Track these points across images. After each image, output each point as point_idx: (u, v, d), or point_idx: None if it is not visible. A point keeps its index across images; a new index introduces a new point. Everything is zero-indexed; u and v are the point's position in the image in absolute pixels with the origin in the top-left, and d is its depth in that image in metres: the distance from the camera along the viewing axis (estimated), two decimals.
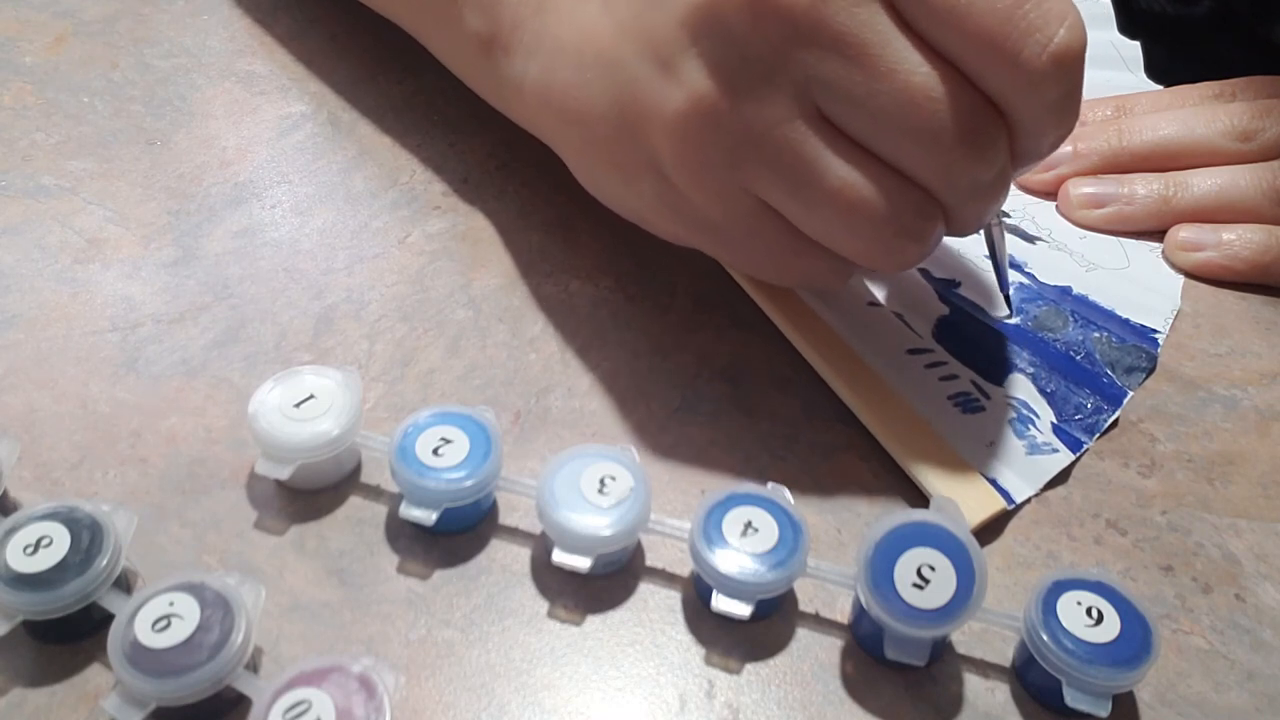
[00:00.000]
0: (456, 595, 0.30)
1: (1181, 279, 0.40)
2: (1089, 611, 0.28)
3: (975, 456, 0.33)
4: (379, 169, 0.42)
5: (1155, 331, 0.37)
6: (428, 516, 0.29)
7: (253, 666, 0.28)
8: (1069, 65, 0.28)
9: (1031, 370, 0.36)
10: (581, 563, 0.29)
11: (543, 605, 0.30)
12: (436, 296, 0.38)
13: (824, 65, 0.27)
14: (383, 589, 0.30)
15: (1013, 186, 0.43)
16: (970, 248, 0.39)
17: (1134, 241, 0.41)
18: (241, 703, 0.27)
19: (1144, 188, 0.41)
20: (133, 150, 0.43)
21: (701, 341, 0.37)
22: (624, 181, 0.32)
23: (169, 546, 0.30)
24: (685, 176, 0.30)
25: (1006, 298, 0.37)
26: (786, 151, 0.29)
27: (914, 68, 0.27)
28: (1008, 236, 0.40)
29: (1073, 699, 0.27)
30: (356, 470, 0.33)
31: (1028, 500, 0.33)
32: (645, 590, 0.30)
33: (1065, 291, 0.38)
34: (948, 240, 0.40)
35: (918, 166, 0.29)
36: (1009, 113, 0.28)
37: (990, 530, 0.32)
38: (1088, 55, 0.52)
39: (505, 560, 0.31)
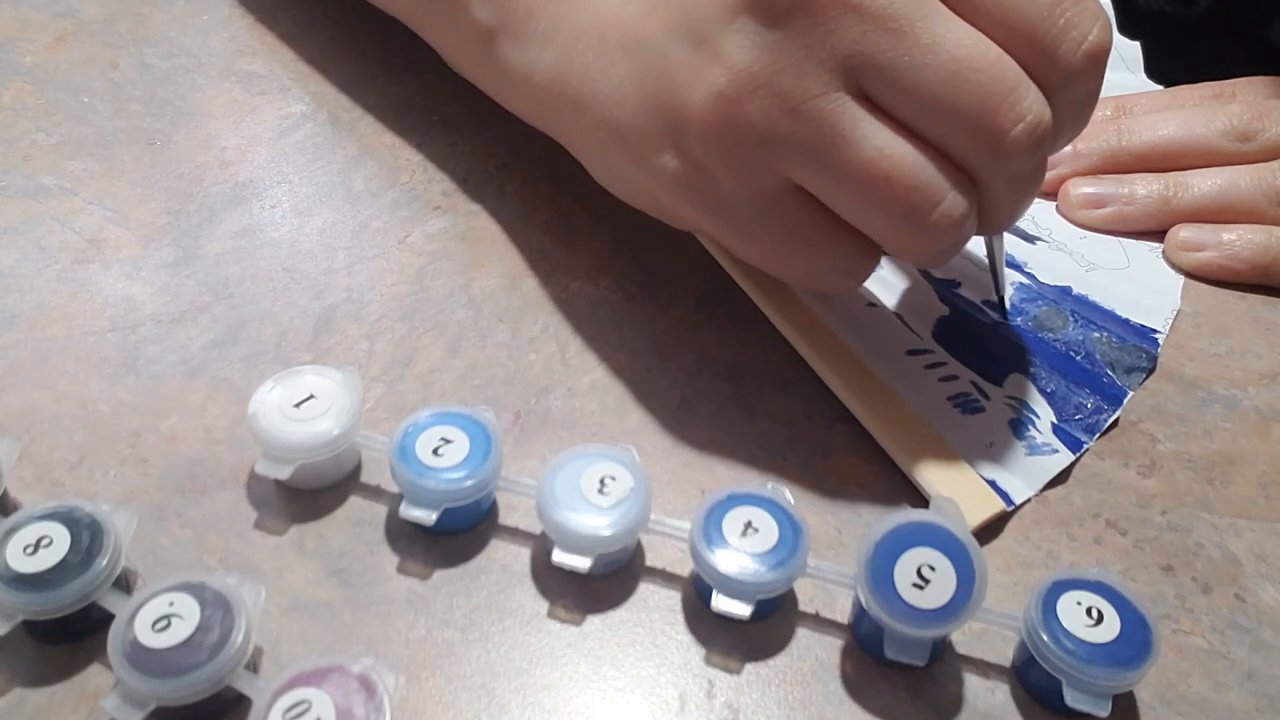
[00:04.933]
0: (456, 595, 0.30)
1: (1181, 279, 0.40)
2: (1089, 611, 0.28)
3: (975, 457, 0.33)
4: (379, 169, 0.42)
5: (1155, 331, 0.37)
6: (428, 516, 0.29)
7: (253, 666, 0.28)
8: (1098, 63, 0.28)
9: (1031, 370, 0.36)
10: (581, 563, 0.29)
11: (543, 605, 0.30)
12: (436, 296, 0.38)
13: (868, 40, 0.27)
14: (383, 589, 0.30)
15: None
16: (971, 248, 0.39)
17: (1134, 241, 0.41)
18: (241, 703, 0.27)
19: (1144, 188, 0.41)
20: (133, 150, 0.43)
21: (701, 341, 0.37)
22: (640, 164, 0.32)
23: (169, 546, 0.30)
24: (716, 153, 0.30)
25: (1001, 301, 0.37)
26: (824, 123, 0.28)
27: (960, 39, 0.27)
28: (1008, 236, 0.40)
29: (1073, 699, 0.27)
30: (356, 470, 0.33)
31: (1027, 500, 0.33)
32: (645, 590, 0.30)
33: (1065, 291, 0.38)
34: None
35: (963, 142, 0.28)
36: (1052, 97, 0.28)
37: (990, 530, 0.32)
38: None
39: (505, 560, 0.31)
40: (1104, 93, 0.44)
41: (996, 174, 0.29)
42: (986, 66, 0.27)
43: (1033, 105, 0.28)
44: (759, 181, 0.30)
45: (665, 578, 0.31)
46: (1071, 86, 0.28)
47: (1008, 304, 0.37)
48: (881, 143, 0.28)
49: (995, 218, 0.30)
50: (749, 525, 0.29)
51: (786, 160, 0.29)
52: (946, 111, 0.28)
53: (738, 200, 0.31)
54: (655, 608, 0.30)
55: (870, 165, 0.28)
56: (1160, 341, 0.37)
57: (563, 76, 0.33)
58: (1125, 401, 0.35)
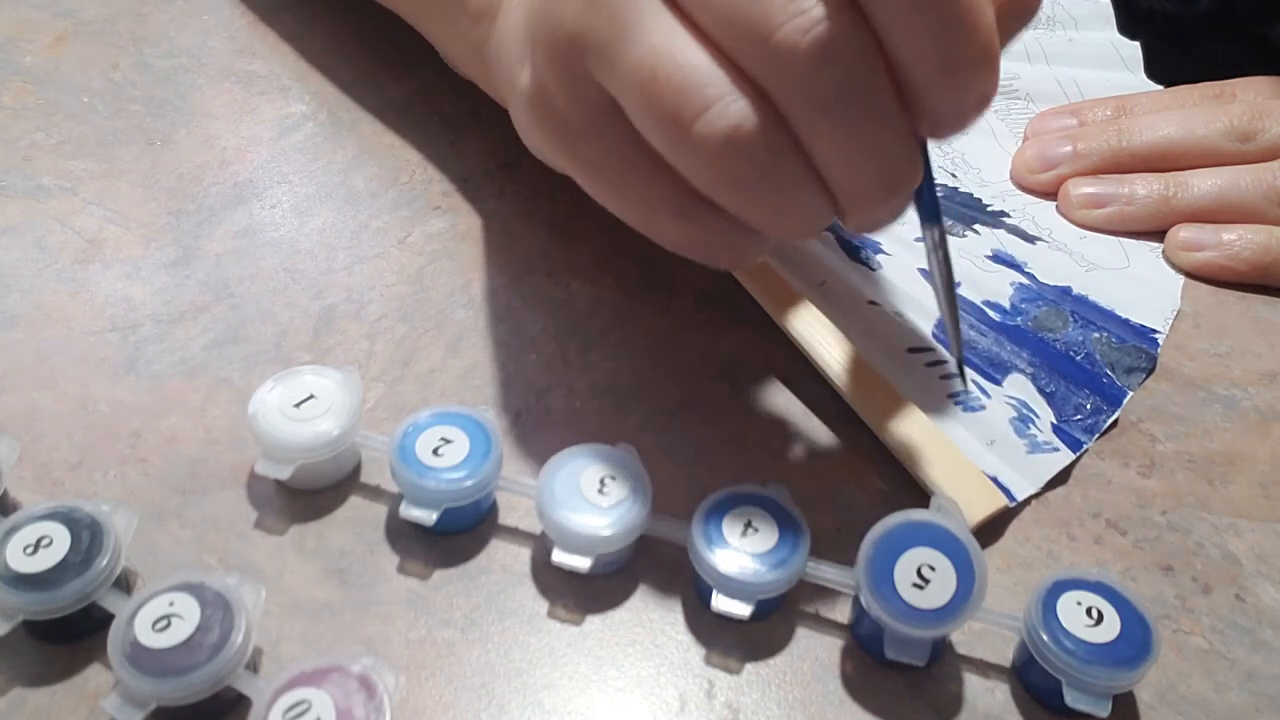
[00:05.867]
0: (456, 595, 0.30)
1: (1181, 279, 0.40)
2: (1089, 612, 0.28)
3: (976, 455, 0.33)
4: (379, 169, 0.42)
5: (1155, 331, 0.37)
6: (428, 516, 0.29)
7: (253, 666, 0.28)
8: None
9: (1031, 370, 0.36)
10: (581, 563, 0.29)
11: (543, 605, 0.30)
12: (436, 296, 0.38)
13: None
14: (383, 589, 0.30)
15: (1012, 187, 0.43)
16: (970, 247, 0.39)
17: (1134, 241, 0.41)
18: (241, 703, 0.27)
19: (1144, 188, 0.41)
20: (133, 150, 0.43)
21: (701, 341, 0.37)
22: (510, 92, 0.30)
23: (169, 546, 0.30)
24: (543, 59, 0.27)
25: (960, 362, 0.32)
26: (614, 14, 0.25)
27: None
28: (1008, 236, 0.40)
29: (1073, 699, 0.27)
30: (356, 470, 0.33)
31: (1028, 499, 0.33)
32: (645, 590, 0.30)
33: (1065, 292, 0.38)
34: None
35: (735, 40, 0.24)
36: (870, 13, 0.24)
37: (990, 530, 0.32)
38: (1088, 55, 0.52)
39: (505, 560, 0.31)
40: (1104, 93, 0.45)
41: (780, 86, 0.24)
42: None
43: (815, 6, 0.23)
44: (581, 91, 0.27)
45: (664, 577, 0.31)
46: None
47: (967, 373, 0.33)
48: (659, 39, 0.25)
49: (827, 158, 0.25)
50: (749, 525, 0.29)
51: (590, 61, 0.26)
52: (723, 2, 0.24)
53: (570, 118, 0.28)
54: (655, 608, 0.30)
55: (641, 61, 0.25)
56: (1160, 342, 0.37)
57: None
58: (1125, 402, 0.35)
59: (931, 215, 0.29)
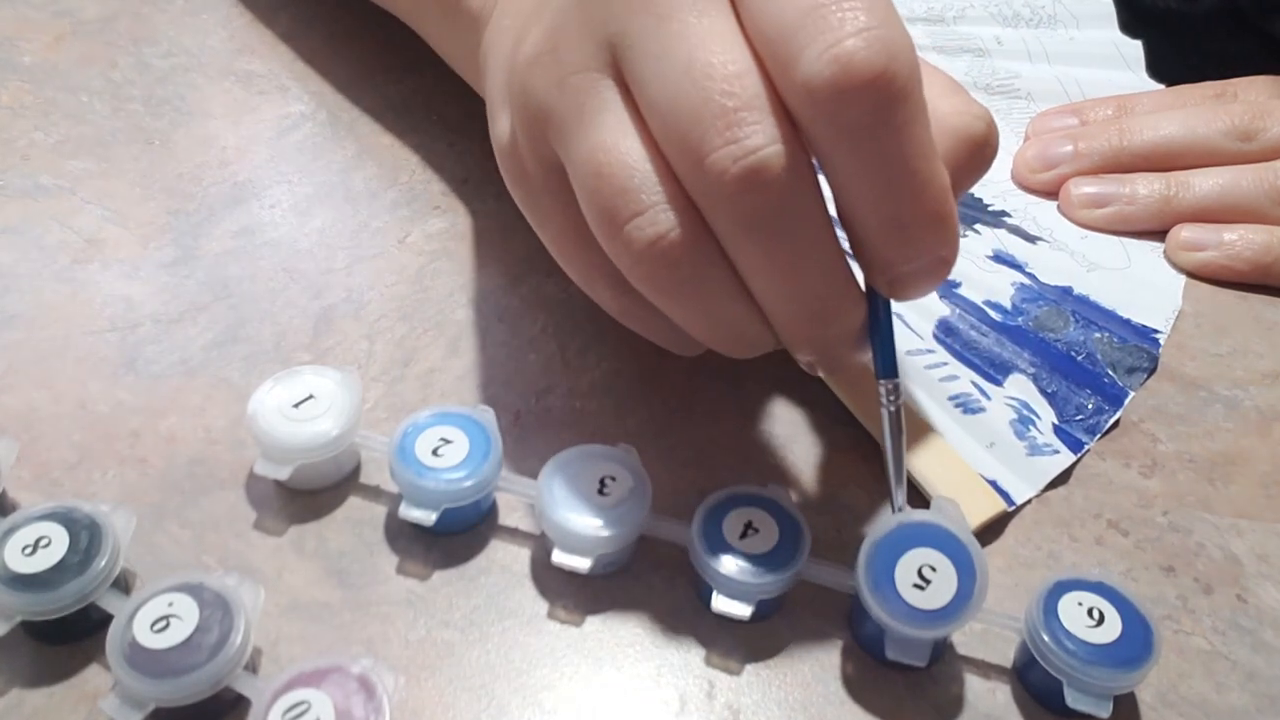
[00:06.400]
0: (456, 595, 0.30)
1: (1183, 279, 0.40)
2: (1090, 612, 0.28)
3: (976, 458, 0.33)
4: (379, 169, 0.42)
5: (1156, 331, 0.37)
6: (427, 517, 0.29)
7: (252, 667, 0.28)
8: (864, 80, 0.23)
9: (1032, 371, 0.36)
10: (581, 563, 0.29)
11: (543, 606, 0.30)
12: (436, 296, 0.38)
13: (633, 19, 0.25)
14: (383, 589, 0.30)
15: (1013, 186, 0.43)
16: (971, 247, 0.39)
17: (1135, 241, 0.41)
18: (241, 703, 0.27)
19: (1145, 187, 0.41)
20: (132, 150, 0.43)
21: None
22: (492, 132, 0.31)
23: (168, 546, 0.30)
24: (518, 119, 0.28)
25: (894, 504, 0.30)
26: (575, 100, 0.26)
27: (709, 37, 0.24)
28: (1010, 237, 0.40)
29: (1074, 700, 0.27)
30: (356, 470, 0.33)
31: (1028, 501, 0.33)
32: (645, 590, 0.30)
33: (1066, 291, 0.38)
34: None
35: (675, 153, 0.25)
36: (805, 128, 0.24)
37: (991, 531, 0.32)
38: (1090, 54, 0.52)
39: (505, 560, 0.31)
40: (1105, 92, 0.45)
41: (708, 203, 0.25)
42: (722, 76, 0.24)
43: (753, 135, 0.24)
44: (542, 154, 0.28)
45: (665, 577, 0.31)
46: (826, 108, 0.23)
47: (904, 507, 0.30)
48: (610, 136, 0.25)
49: (750, 278, 0.26)
50: (749, 526, 0.29)
51: (551, 135, 0.27)
52: (667, 113, 0.24)
53: (531, 173, 0.29)
54: (655, 608, 0.30)
55: (590, 153, 0.25)
56: (1161, 341, 0.37)
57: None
58: (1126, 402, 0.35)
59: (885, 370, 0.29)
